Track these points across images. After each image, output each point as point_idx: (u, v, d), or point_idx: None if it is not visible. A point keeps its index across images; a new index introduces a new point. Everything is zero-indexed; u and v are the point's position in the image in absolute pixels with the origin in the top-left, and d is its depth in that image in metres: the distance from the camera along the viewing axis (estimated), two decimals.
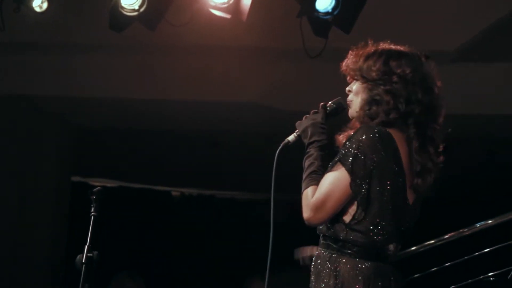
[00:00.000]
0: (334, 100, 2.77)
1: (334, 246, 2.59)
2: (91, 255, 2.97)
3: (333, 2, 4.74)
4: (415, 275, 4.66)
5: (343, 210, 2.58)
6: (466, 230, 4.77)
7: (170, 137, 7.51)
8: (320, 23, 4.76)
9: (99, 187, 3.09)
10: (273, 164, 2.75)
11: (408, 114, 2.58)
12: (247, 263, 8.33)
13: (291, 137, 2.76)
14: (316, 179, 2.60)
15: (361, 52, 2.69)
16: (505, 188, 7.43)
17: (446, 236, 4.79)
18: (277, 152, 2.76)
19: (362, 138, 2.54)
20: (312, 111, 2.77)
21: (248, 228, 9.12)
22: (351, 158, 2.53)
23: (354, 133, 2.59)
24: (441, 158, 2.62)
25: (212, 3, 4.74)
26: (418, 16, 5.50)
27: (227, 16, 4.76)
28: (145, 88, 6.14)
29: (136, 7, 4.78)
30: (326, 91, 5.95)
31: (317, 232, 2.69)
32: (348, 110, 2.74)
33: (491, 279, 4.26)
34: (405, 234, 2.65)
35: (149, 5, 4.78)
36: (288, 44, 5.36)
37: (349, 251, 2.57)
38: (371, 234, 2.56)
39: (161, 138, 7.58)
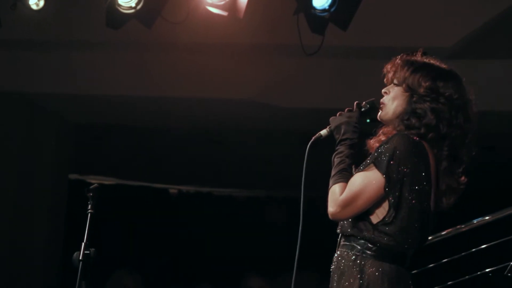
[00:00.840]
0: (368, 100, 2.80)
1: (359, 247, 2.63)
2: (88, 252, 2.96)
3: None
4: (413, 271, 4.65)
5: (369, 211, 2.63)
6: (463, 226, 4.77)
7: (167, 134, 7.50)
8: (317, 20, 4.76)
9: (95, 185, 3.08)
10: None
11: (446, 136, 2.65)
12: (244, 260, 8.35)
13: (323, 132, 2.79)
14: (345, 176, 2.65)
15: (410, 61, 2.72)
16: (502, 183, 7.43)
17: (443, 233, 4.79)
18: (309, 145, 2.77)
19: (399, 145, 2.60)
20: (347, 109, 2.79)
21: (246, 226, 9.13)
22: (386, 162, 2.59)
23: (389, 138, 2.64)
24: (464, 179, 2.70)
25: (209, 1, 4.73)
26: (415, 13, 5.50)
27: (224, 13, 4.76)
28: (141, 86, 6.13)
29: (133, 5, 4.77)
30: (322, 87, 5.96)
31: (339, 231, 2.72)
32: (379, 111, 2.77)
33: (489, 275, 4.26)
34: (425, 240, 2.70)
35: (146, 2, 4.77)
36: (285, 41, 5.36)
37: (373, 253, 2.61)
38: (397, 237, 2.60)
39: (158, 136, 7.58)
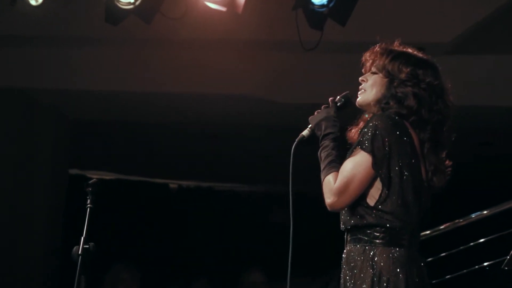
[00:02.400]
0: (343, 94, 2.87)
1: (365, 238, 2.66)
2: (87, 246, 2.97)
3: None
4: None
5: (365, 195, 2.67)
6: (461, 220, 4.78)
7: (167, 129, 7.50)
8: (316, 15, 4.75)
9: (94, 179, 3.09)
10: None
11: (428, 121, 2.71)
12: (244, 254, 8.35)
13: (305, 132, 2.85)
14: (335, 166, 2.70)
15: (388, 50, 2.80)
16: (500, 178, 7.44)
17: (441, 227, 4.80)
18: (293, 147, 2.84)
19: (378, 122, 2.66)
20: (323, 106, 2.86)
21: (246, 220, 9.14)
22: (369, 141, 2.64)
23: (369, 120, 2.71)
24: (449, 162, 2.76)
25: None
26: (414, 8, 5.50)
27: (223, 9, 4.75)
28: (141, 81, 6.13)
29: (132, 0, 4.77)
30: (321, 82, 5.96)
31: (343, 228, 2.75)
32: (355, 100, 2.84)
33: (486, 268, 4.27)
34: (424, 217, 2.73)
35: None
36: (283, 37, 5.35)
37: (381, 240, 2.64)
38: (397, 213, 2.63)
39: (158, 131, 7.58)
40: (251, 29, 5.38)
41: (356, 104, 2.83)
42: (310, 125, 2.83)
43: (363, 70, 2.83)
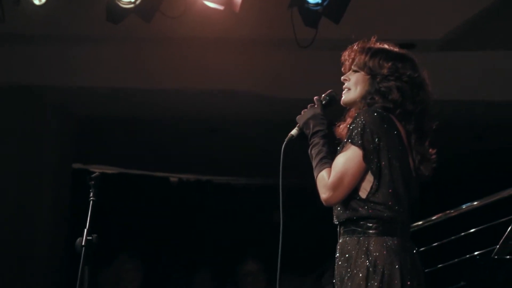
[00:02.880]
0: (327, 92, 2.89)
1: (359, 229, 2.68)
2: (90, 238, 2.98)
3: None
4: None
5: (357, 189, 2.69)
6: (452, 211, 4.80)
7: (168, 125, 7.52)
8: (310, 13, 4.76)
9: (97, 173, 3.10)
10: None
11: (412, 112, 2.75)
12: (242, 245, 8.37)
13: (294, 131, 2.87)
14: (328, 162, 2.73)
15: (367, 47, 2.82)
16: (490, 171, 7.46)
17: (433, 218, 4.82)
18: (283, 147, 2.86)
19: (365, 116, 2.69)
20: (309, 105, 2.87)
21: (243, 212, 9.15)
22: (359, 135, 2.67)
23: (356, 115, 2.73)
24: (432, 150, 2.79)
25: None
26: (406, 5, 5.51)
27: (220, 7, 4.76)
28: (142, 78, 6.14)
29: (132, 0, 4.77)
30: (317, 79, 5.97)
31: (336, 221, 2.77)
32: (340, 99, 2.87)
33: (476, 257, 4.29)
34: (414, 206, 2.76)
35: None
36: (280, 35, 5.36)
37: (374, 230, 2.66)
38: (388, 203, 2.66)
39: (159, 126, 7.59)
40: (248, 27, 5.39)
41: (342, 103, 2.85)
42: (298, 124, 2.85)
43: (342, 69, 2.85)
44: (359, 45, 2.82)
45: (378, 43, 2.83)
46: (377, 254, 2.64)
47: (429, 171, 2.76)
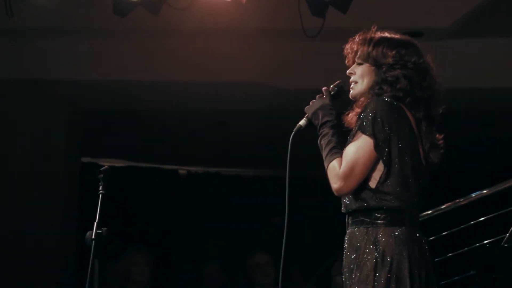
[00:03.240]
0: (336, 83, 2.87)
1: (368, 220, 2.68)
2: (100, 231, 2.99)
3: None
4: None
5: (367, 178, 2.68)
6: (462, 200, 4.79)
7: (175, 117, 7.52)
8: (317, 3, 4.74)
9: (106, 166, 3.10)
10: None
11: (420, 98, 2.74)
12: (251, 237, 8.38)
13: (302, 122, 2.86)
14: (338, 152, 2.71)
15: (368, 38, 2.80)
16: (500, 159, 7.44)
17: (443, 207, 4.81)
18: (291, 137, 2.85)
19: (376, 105, 2.68)
20: (318, 95, 2.86)
21: (253, 204, 9.16)
22: (370, 124, 2.66)
23: (367, 104, 2.72)
24: (440, 135, 2.79)
25: None
26: None
27: None
28: (150, 71, 6.14)
29: None
30: (324, 68, 5.95)
31: (345, 211, 2.77)
32: (349, 91, 2.85)
33: (486, 246, 4.29)
34: (423, 195, 2.75)
35: None
36: (287, 25, 5.34)
37: (382, 221, 2.66)
38: (398, 193, 2.65)
39: (167, 119, 7.59)
40: (255, 18, 5.37)
41: (350, 97, 2.84)
42: (306, 115, 2.84)
43: (346, 62, 2.84)
44: (360, 37, 2.81)
45: (378, 32, 2.81)
46: (386, 244, 2.64)
47: (438, 158, 2.76)
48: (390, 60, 2.74)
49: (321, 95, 2.85)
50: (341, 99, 2.88)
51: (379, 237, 2.64)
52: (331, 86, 2.87)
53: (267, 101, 6.68)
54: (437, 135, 2.77)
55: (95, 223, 2.99)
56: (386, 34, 2.80)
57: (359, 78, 2.79)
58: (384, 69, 2.74)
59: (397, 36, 2.81)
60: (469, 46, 5.93)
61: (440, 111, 2.78)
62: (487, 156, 8.01)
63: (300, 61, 5.99)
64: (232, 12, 5.04)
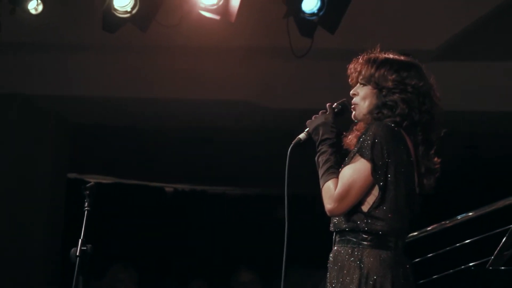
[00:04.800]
0: (340, 101, 2.86)
1: (354, 240, 2.67)
2: (85, 248, 2.96)
3: (319, 3, 4.74)
4: None
5: (361, 201, 2.67)
6: (447, 222, 4.79)
7: (163, 134, 7.50)
8: (306, 23, 4.76)
9: (92, 183, 3.09)
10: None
11: (418, 122, 2.73)
12: (238, 255, 8.35)
13: (302, 135, 2.84)
14: (335, 172, 2.70)
15: (372, 59, 2.79)
16: (485, 181, 7.46)
17: (428, 228, 4.80)
18: (290, 149, 2.83)
19: (376, 130, 2.67)
20: (321, 111, 2.84)
21: (239, 222, 9.13)
22: (369, 148, 2.65)
23: (368, 128, 2.71)
24: (437, 159, 2.78)
25: (201, 5, 4.73)
26: (401, 15, 5.52)
27: (216, 17, 4.76)
28: (137, 87, 6.13)
29: (129, 9, 4.77)
30: (312, 88, 5.97)
31: (333, 229, 2.75)
32: (352, 112, 2.83)
33: (472, 268, 4.28)
34: (413, 221, 2.77)
35: (141, 7, 4.77)
36: (275, 44, 5.36)
37: (369, 243, 2.65)
38: (390, 220, 2.65)
39: (154, 136, 7.58)
40: (244, 37, 5.39)
41: (353, 117, 2.82)
42: (307, 129, 2.82)
43: (350, 81, 2.82)
44: (364, 58, 2.79)
45: (383, 53, 2.80)
46: (370, 266, 2.63)
47: (432, 183, 2.74)
48: (390, 83, 2.72)
49: (324, 111, 2.83)
50: (343, 119, 2.86)
51: (364, 258, 2.64)
52: (335, 103, 2.84)
53: (254, 120, 6.68)
54: (435, 159, 2.76)
55: (80, 240, 2.97)
56: (390, 56, 2.79)
57: (361, 100, 2.78)
58: (384, 92, 2.73)
59: (401, 58, 2.79)
60: (454, 69, 5.97)
61: (441, 134, 2.78)
62: (473, 178, 8.04)
63: (288, 80, 6.01)
64: (221, 30, 5.05)
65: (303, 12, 4.73)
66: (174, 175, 9.34)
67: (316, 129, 2.78)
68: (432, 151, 2.76)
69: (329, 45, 5.13)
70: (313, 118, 2.82)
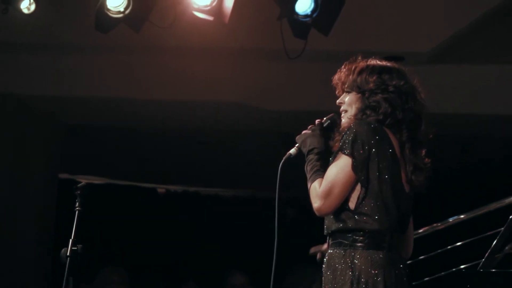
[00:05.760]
0: (329, 116, 2.93)
1: (346, 242, 2.70)
2: (75, 248, 2.96)
3: (312, 5, 4.75)
4: None
5: (347, 199, 2.71)
6: (439, 224, 4.80)
7: (155, 135, 7.49)
8: (300, 25, 4.78)
9: (83, 183, 3.09)
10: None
11: (402, 121, 2.77)
12: (230, 257, 8.34)
13: (292, 150, 2.91)
14: (320, 174, 2.76)
15: (353, 67, 2.86)
16: (477, 184, 7.48)
17: (420, 230, 4.82)
18: (280, 165, 2.89)
19: (358, 128, 2.73)
20: (310, 126, 2.92)
21: (231, 224, 9.13)
22: (350, 144, 2.70)
23: (348, 127, 2.76)
24: (428, 160, 2.81)
25: (195, 6, 4.73)
26: (394, 18, 5.54)
27: (210, 18, 4.76)
28: (130, 88, 6.12)
29: (122, 9, 4.77)
30: (306, 90, 5.98)
31: (326, 232, 2.79)
32: (340, 123, 2.90)
33: (463, 271, 4.29)
34: (405, 221, 2.77)
35: (134, 7, 4.77)
36: (269, 46, 5.37)
37: (360, 244, 2.68)
38: (377, 215, 2.68)
39: (147, 137, 7.57)
40: (237, 38, 5.39)
41: (342, 126, 2.87)
42: (297, 144, 2.89)
43: (337, 93, 2.89)
44: (347, 66, 2.87)
45: (364, 60, 2.87)
46: (362, 267, 2.66)
47: (423, 180, 2.77)
48: (371, 85, 2.79)
49: (312, 126, 2.91)
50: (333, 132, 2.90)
51: (356, 260, 2.67)
52: (324, 118, 2.92)
53: (248, 122, 6.68)
54: (425, 160, 2.79)
55: (71, 240, 2.97)
56: (371, 62, 2.86)
57: (348, 107, 2.84)
58: (367, 95, 2.79)
59: (382, 63, 2.86)
60: (447, 72, 5.99)
61: (430, 135, 2.81)
62: (465, 181, 8.06)
63: (282, 82, 6.01)
64: (214, 31, 5.05)
65: (297, 14, 4.74)
66: (167, 176, 9.33)
67: (304, 142, 2.86)
68: (422, 151, 2.79)
69: (322, 47, 5.14)
70: (302, 133, 2.90)
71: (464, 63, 5.93)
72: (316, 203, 2.71)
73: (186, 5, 4.75)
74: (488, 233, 4.48)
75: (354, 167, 2.68)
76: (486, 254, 4.12)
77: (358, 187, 2.70)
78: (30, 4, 4.91)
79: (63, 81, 6.05)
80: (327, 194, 2.68)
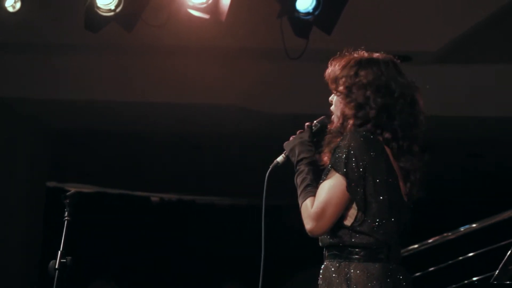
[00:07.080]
0: (319, 119, 2.90)
1: (341, 254, 2.70)
2: (64, 260, 2.94)
3: (314, 2, 4.74)
4: None
5: (342, 216, 2.69)
6: (450, 234, 4.79)
7: (149, 140, 7.48)
8: (301, 23, 4.76)
9: (72, 191, 3.07)
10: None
11: (386, 124, 2.73)
12: (225, 267, 8.34)
13: (279, 158, 2.88)
14: (312, 191, 2.72)
15: (337, 64, 2.82)
16: (488, 190, 7.47)
17: (430, 241, 4.81)
18: (267, 174, 2.87)
19: (352, 142, 2.68)
20: (299, 131, 2.88)
21: (227, 233, 9.13)
22: (343, 163, 2.66)
23: (342, 139, 2.72)
24: (422, 160, 2.76)
25: (190, 3, 4.72)
26: (400, 17, 5.53)
27: (206, 16, 4.75)
28: (122, 90, 6.12)
29: (112, 7, 4.74)
30: (306, 92, 5.97)
31: (321, 244, 2.78)
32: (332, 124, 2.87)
33: (475, 283, 4.28)
34: (405, 231, 2.76)
35: (126, 5, 4.75)
36: (268, 45, 5.36)
37: (356, 256, 2.68)
38: (374, 233, 2.67)
39: (139, 142, 7.56)
40: (235, 37, 5.39)
41: (330, 128, 2.83)
42: (285, 151, 2.86)
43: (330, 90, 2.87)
44: (331, 63, 2.82)
45: (345, 56, 2.81)
46: (357, 279, 2.66)
47: (414, 186, 2.74)
48: (342, 88, 2.76)
49: (301, 130, 2.88)
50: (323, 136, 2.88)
51: (351, 272, 2.67)
52: (314, 121, 2.89)
53: (245, 125, 6.67)
54: (419, 161, 2.75)
55: (59, 252, 2.95)
56: (354, 55, 2.80)
57: (334, 109, 2.82)
58: (348, 94, 2.75)
59: (360, 57, 2.79)
60: (455, 72, 6.00)
61: (422, 130, 2.76)
62: (476, 188, 8.05)
63: (282, 83, 6.01)
64: (211, 30, 5.05)
65: (298, 11, 4.73)
66: (160, 183, 9.32)
67: (292, 150, 2.83)
68: (411, 153, 2.74)
69: (325, 46, 5.12)
70: (290, 139, 2.87)
71: (472, 63, 5.95)
72: (308, 224, 2.69)
73: (181, 3, 4.73)
74: (502, 243, 4.47)
75: (349, 188, 2.65)
76: (500, 265, 4.11)
77: (354, 205, 2.68)
78: (15, 2, 4.90)
79: (50, 83, 6.04)
80: (319, 216, 2.67)
